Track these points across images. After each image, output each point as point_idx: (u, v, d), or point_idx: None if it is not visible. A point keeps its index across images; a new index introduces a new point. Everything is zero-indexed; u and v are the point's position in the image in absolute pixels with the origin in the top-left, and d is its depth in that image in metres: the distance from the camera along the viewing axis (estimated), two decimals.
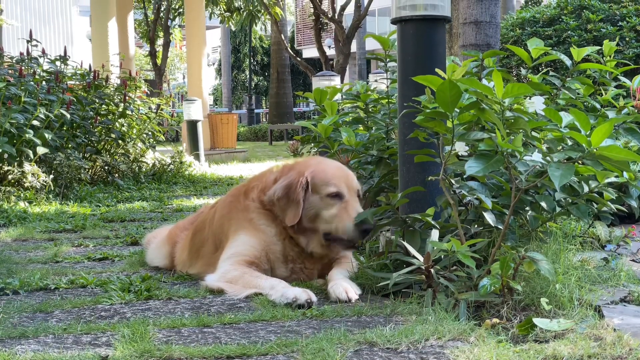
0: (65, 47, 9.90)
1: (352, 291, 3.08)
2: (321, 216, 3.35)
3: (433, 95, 2.96)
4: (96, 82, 9.13)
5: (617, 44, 5.47)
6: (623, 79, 4.29)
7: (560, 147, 2.80)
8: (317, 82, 8.42)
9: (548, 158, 2.79)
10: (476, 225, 3.33)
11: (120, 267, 4.07)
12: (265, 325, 2.75)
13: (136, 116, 9.68)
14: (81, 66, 9.56)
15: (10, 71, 7.88)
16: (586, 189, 3.36)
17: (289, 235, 3.43)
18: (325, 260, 3.49)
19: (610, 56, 4.25)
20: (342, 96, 4.99)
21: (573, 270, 3.05)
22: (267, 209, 3.46)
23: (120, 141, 9.27)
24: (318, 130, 4.24)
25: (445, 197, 3.17)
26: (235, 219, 3.51)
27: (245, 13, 25.56)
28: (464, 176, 3.23)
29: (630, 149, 3.59)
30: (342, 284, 3.12)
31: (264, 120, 40.15)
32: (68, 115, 7.73)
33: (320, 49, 22.29)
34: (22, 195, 6.73)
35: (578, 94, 4.16)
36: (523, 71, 4.52)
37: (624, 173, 3.18)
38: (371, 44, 35.88)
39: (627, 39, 6.09)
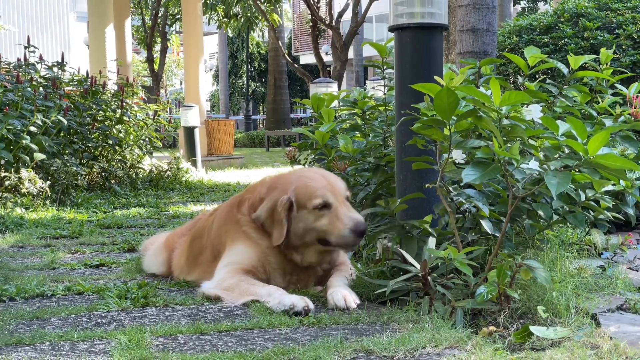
0: (62, 53, 9.91)
1: (351, 299, 3.08)
2: (313, 228, 3.33)
3: (431, 103, 2.96)
4: (93, 88, 9.14)
5: (614, 52, 5.49)
6: (620, 86, 4.29)
7: (557, 155, 2.80)
8: (315, 89, 8.40)
9: (545, 166, 2.79)
10: (473, 233, 3.33)
11: (117, 273, 4.07)
12: (262, 332, 2.74)
13: (133, 122, 9.69)
14: (78, 72, 9.56)
15: (7, 77, 7.88)
16: (583, 197, 3.37)
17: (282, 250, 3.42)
18: (320, 273, 3.48)
19: (607, 64, 4.25)
20: (339, 103, 4.99)
21: (570, 278, 3.05)
22: (257, 224, 3.46)
23: (117, 147, 9.27)
24: (315, 137, 4.24)
25: (442, 205, 3.17)
26: (231, 231, 3.51)
27: (242, 19, 25.58)
28: (461, 184, 3.23)
29: (627, 157, 3.59)
30: (342, 292, 3.12)
31: (261, 126, 40.17)
32: (65, 122, 7.73)
33: (318, 55, 22.31)
34: (18, 201, 6.72)
35: (575, 101, 4.16)
36: (520, 79, 4.53)
37: (621, 181, 3.18)
38: (368, 51, 35.95)
39: (623, 46, 6.10)
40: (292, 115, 34.22)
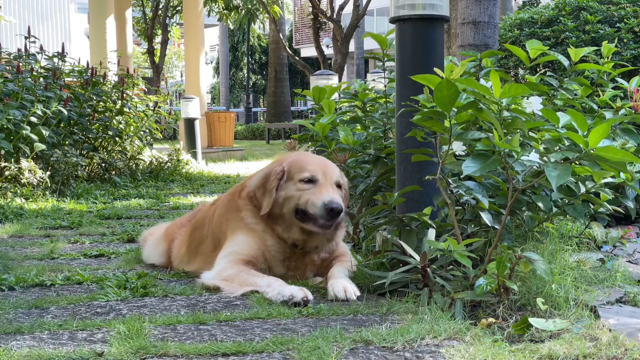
0: (63, 43, 9.89)
1: (351, 290, 3.07)
2: (292, 197, 3.33)
3: (431, 95, 2.96)
4: (94, 79, 9.12)
5: (615, 45, 5.48)
6: (620, 80, 4.29)
7: (558, 147, 2.80)
8: (315, 81, 8.40)
9: (545, 158, 2.79)
10: (473, 225, 3.33)
11: (116, 264, 4.07)
12: (261, 323, 2.75)
13: (133, 114, 9.68)
14: (79, 63, 9.54)
15: (7, 67, 7.87)
16: (583, 189, 3.36)
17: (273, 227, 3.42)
18: (318, 262, 3.47)
19: (608, 57, 4.25)
20: (339, 95, 4.99)
21: (569, 271, 3.05)
22: (254, 205, 3.46)
23: (117, 138, 9.26)
24: (315, 129, 4.24)
25: (442, 197, 3.17)
26: (232, 219, 3.52)
27: (243, 11, 25.56)
28: (461, 176, 3.23)
29: (627, 150, 3.59)
30: (342, 283, 3.12)
31: (262, 119, 40.16)
32: (65, 112, 7.72)
33: (319, 48, 22.29)
34: (18, 191, 6.72)
35: (575, 94, 4.16)
36: (521, 72, 4.52)
37: (621, 174, 3.18)
38: (369, 44, 35.90)
39: (625, 40, 6.10)
40: (292, 108, 34.19)
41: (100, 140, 9.15)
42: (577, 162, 2.70)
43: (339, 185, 3.41)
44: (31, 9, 33.95)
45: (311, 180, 3.34)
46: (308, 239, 3.40)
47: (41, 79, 8.10)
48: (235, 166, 12.70)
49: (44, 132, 7.22)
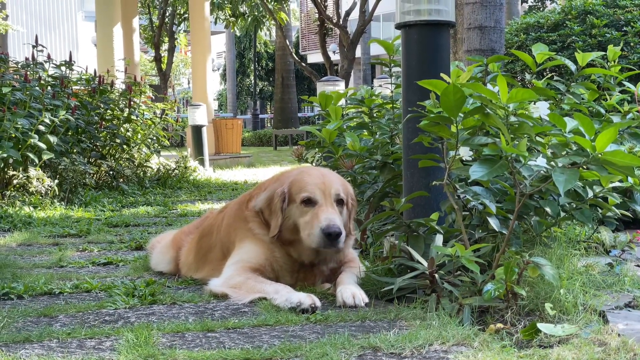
0: (70, 52, 9.93)
1: (360, 297, 3.07)
2: (299, 225, 3.33)
3: (438, 100, 2.96)
4: (101, 87, 9.16)
5: (622, 49, 5.47)
6: (627, 84, 4.28)
7: (565, 152, 2.79)
8: (322, 87, 8.43)
9: (552, 163, 2.78)
10: (480, 230, 3.33)
11: (124, 271, 4.08)
12: (269, 329, 2.75)
13: (141, 121, 9.70)
14: (86, 71, 9.58)
15: (15, 76, 7.89)
16: (590, 194, 3.35)
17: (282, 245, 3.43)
18: (327, 273, 3.47)
19: (614, 61, 4.24)
20: (346, 101, 4.99)
21: (577, 276, 3.04)
22: (261, 219, 3.47)
23: (125, 146, 9.29)
24: (322, 135, 4.25)
25: (449, 202, 3.17)
26: (240, 229, 3.52)
27: (250, 18, 25.59)
28: (468, 181, 3.22)
29: (635, 154, 3.58)
30: (351, 289, 3.12)
31: (269, 125, 40.22)
32: (73, 120, 7.74)
33: (325, 54, 22.29)
34: (27, 200, 6.74)
35: (582, 99, 4.15)
36: (527, 76, 4.52)
37: (629, 178, 3.17)
38: (376, 49, 35.90)
39: (631, 44, 6.09)
40: (299, 114, 34.27)
41: (108, 148, 9.17)
42: (584, 167, 2.69)
43: (340, 200, 3.39)
44: (38, 17, 34.09)
45: (310, 200, 3.33)
46: (317, 256, 3.41)
47: (49, 88, 8.12)
48: (243, 173, 12.71)
49: (51, 140, 7.25)
